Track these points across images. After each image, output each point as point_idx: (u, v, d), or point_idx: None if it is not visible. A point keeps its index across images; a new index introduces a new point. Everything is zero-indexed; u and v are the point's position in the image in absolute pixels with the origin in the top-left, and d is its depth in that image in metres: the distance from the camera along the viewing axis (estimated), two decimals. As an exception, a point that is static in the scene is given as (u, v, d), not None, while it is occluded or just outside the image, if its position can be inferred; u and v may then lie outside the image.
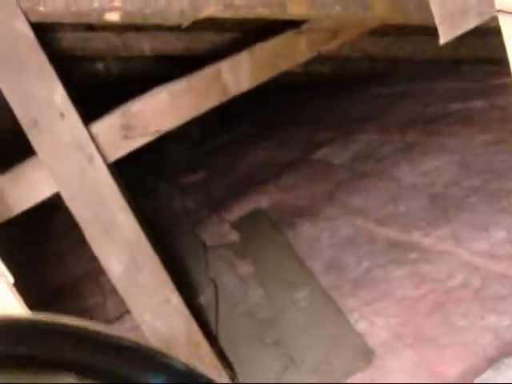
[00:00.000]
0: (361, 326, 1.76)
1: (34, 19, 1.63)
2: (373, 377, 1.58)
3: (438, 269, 1.80)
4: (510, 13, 0.69)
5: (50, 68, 1.67)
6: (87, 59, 2.84)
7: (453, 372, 1.42)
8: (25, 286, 1.09)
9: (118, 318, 2.36)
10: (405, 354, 1.57)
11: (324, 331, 1.83)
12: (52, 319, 0.57)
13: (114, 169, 1.92)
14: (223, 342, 2.09)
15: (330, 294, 1.98)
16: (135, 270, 1.78)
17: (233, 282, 2.41)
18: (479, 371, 1.35)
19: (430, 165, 2.45)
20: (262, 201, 3.00)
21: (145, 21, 1.78)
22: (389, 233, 2.16)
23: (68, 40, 2.38)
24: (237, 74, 1.97)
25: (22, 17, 1.60)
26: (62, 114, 1.69)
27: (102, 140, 1.78)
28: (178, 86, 1.93)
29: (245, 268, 2.45)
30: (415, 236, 2.04)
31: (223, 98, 1.99)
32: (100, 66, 2.97)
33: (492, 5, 0.72)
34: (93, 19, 1.75)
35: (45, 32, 1.93)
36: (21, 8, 1.59)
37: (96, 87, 3.41)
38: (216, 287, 2.42)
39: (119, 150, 1.84)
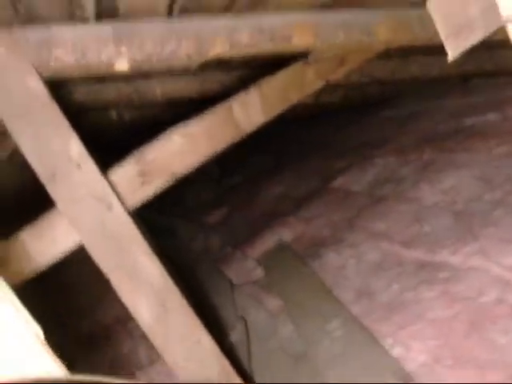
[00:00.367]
0: (396, 351, 1.72)
1: (46, 75, 1.67)
2: (415, 403, 1.54)
3: (470, 286, 1.76)
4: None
5: (65, 121, 1.70)
6: (100, 109, 2.88)
7: (497, 392, 1.37)
8: (57, 339, 1.09)
9: (151, 363, 2.34)
10: (445, 376, 1.53)
11: (359, 360, 1.79)
12: (89, 380, 0.57)
13: (134, 213, 1.93)
14: (258, 379, 2.06)
15: (362, 322, 1.95)
16: (164, 315, 1.77)
17: (262, 317, 2.38)
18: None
19: (449, 182, 2.43)
20: (284, 234, 2.98)
21: (153, 68, 1.81)
22: (416, 254, 2.13)
23: (80, 92, 2.42)
24: (248, 111, 1.98)
25: (35, 73, 1.64)
26: (78, 165, 1.71)
27: (120, 188, 1.80)
28: (191, 127, 1.95)
29: (273, 303, 2.43)
30: (443, 255, 2.00)
31: (237, 136, 2.00)
32: (113, 114, 3.01)
33: (498, 14, 0.71)
34: (102, 70, 1.79)
35: (58, 86, 1.97)
36: (33, 65, 1.63)
37: (111, 134, 3.46)
38: (246, 324, 2.39)
39: (138, 196, 1.85)
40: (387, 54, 2.44)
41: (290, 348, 2.11)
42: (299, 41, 1.77)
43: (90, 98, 2.51)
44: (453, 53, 0.85)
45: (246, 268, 2.89)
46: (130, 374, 2.35)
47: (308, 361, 1.97)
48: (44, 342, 1.04)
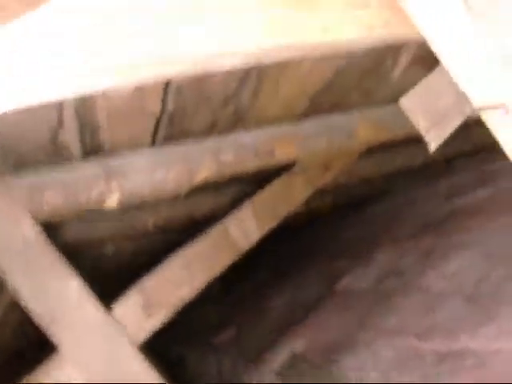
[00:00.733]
0: None
1: (40, 218, 1.69)
2: None
3: (500, 370, 1.69)
4: (489, 107, 0.71)
5: (62, 263, 1.69)
6: (96, 244, 2.89)
7: None
8: None
9: None
10: None
11: None
12: None
13: (142, 347, 1.88)
14: None
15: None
16: None
17: None
18: None
19: (453, 265, 2.41)
20: (296, 345, 2.90)
21: (144, 199, 1.84)
22: (434, 345, 2.06)
23: (74, 231, 2.44)
24: (244, 229, 1.99)
25: (30, 219, 1.65)
26: (80, 305, 1.69)
27: (125, 324, 1.76)
28: (188, 253, 1.95)
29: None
30: (462, 341, 1.95)
31: (235, 255, 2.00)
32: (108, 248, 3.02)
33: (470, 102, 0.74)
34: (92, 208, 1.81)
35: (53, 227, 1.99)
36: (27, 210, 1.65)
37: (108, 267, 3.44)
38: None
39: (145, 329, 1.81)
40: (370, 151, 2.50)
41: None
42: (282, 154, 1.82)
43: (85, 235, 2.52)
44: (434, 144, 0.87)
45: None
46: None
47: None
48: None
